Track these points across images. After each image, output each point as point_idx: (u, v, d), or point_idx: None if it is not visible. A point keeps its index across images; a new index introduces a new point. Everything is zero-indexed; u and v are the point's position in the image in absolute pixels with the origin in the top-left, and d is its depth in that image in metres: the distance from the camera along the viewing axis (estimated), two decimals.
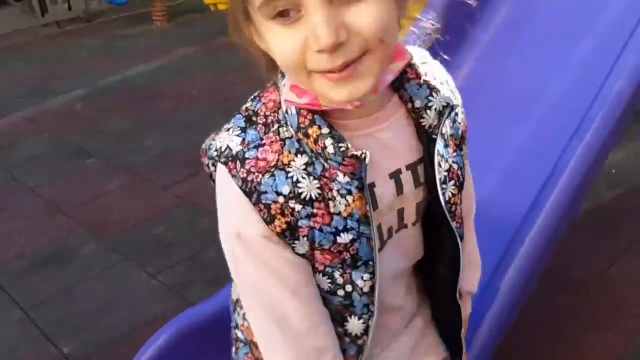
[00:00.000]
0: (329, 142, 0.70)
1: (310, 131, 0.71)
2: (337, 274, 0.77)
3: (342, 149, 0.70)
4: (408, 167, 0.79)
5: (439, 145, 0.79)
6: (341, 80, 0.66)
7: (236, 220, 0.75)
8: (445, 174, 0.81)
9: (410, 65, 0.78)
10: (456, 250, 0.86)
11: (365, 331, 0.83)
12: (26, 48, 6.33)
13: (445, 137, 0.81)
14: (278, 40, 0.66)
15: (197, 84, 4.62)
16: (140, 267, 2.56)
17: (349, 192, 0.72)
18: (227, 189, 0.74)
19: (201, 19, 6.36)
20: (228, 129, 0.76)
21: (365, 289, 0.78)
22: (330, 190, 0.72)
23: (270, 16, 0.64)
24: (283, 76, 0.75)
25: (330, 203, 0.72)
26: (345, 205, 0.72)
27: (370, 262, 0.76)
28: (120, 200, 3.09)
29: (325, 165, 0.72)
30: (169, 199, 3.03)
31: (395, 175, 0.78)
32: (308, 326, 0.78)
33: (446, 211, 0.81)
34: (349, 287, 0.78)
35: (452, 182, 0.81)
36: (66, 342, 2.20)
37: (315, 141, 0.71)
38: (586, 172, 1.52)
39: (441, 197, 0.79)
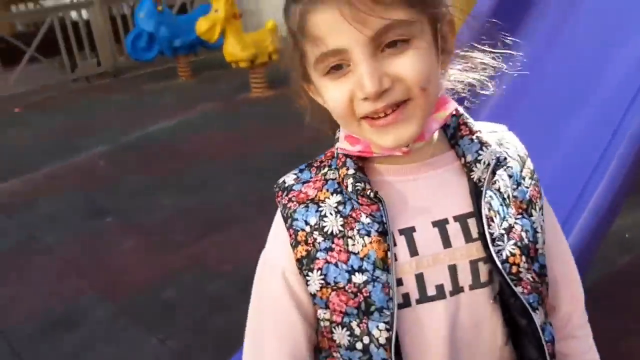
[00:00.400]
0: (350, 181, 0.78)
1: (340, 172, 0.80)
2: (354, 324, 0.79)
3: (357, 188, 0.77)
4: (456, 219, 0.80)
5: (492, 200, 0.80)
6: (386, 125, 0.73)
7: (272, 245, 0.85)
8: (503, 231, 0.80)
9: (465, 123, 0.84)
10: (532, 325, 0.81)
11: None
12: (55, 103, 6.56)
13: (506, 196, 0.82)
14: (330, 92, 0.74)
15: (215, 141, 4.71)
16: (149, 332, 2.56)
17: (368, 234, 0.77)
18: (275, 218, 0.85)
19: (224, 74, 6.54)
20: (293, 170, 0.87)
21: (382, 340, 0.77)
22: (352, 229, 0.78)
23: (324, 72, 0.74)
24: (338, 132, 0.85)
25: (350, 241, 0.78)
26: (362, 246, 0.77)
27: (386, 311, 0.76)
28: (133, 261, 3.12)
29: (355, 206, 0.79)
30: (180, 261, 3.05)
31: (440, 225, 0.80)
32: None
33: (504, 271, 0.78)
34: (366, 339, 0.78)
35: (512, 241, 0.80)
36: None
37: (343, 181, 0.79)
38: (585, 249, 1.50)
39: (494, 255, 0.78)
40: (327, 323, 0.81)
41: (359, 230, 0.78)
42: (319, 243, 0.79)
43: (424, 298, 0.79)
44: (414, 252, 0.78)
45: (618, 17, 1.86)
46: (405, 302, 0.78)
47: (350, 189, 0.78)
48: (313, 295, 0.80)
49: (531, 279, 0.82)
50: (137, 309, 2.71)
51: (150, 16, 6.46)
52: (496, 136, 0.86)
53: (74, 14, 7.63)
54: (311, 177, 0.83)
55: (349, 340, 0.80)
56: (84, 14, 7.65)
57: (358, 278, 0.77)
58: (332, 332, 0.81)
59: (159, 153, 4.63)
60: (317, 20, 0.70)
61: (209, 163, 4.26)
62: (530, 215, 0.84)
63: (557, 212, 1.58)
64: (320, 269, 0.79)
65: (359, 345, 0.79)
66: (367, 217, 0.77)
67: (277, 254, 0.83)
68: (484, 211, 0.79)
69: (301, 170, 0.85)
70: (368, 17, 0.68)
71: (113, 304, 2.77)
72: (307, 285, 0.80)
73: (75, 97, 6.77)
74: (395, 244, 0.78)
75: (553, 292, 0.90)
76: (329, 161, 0.84)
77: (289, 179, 0.84)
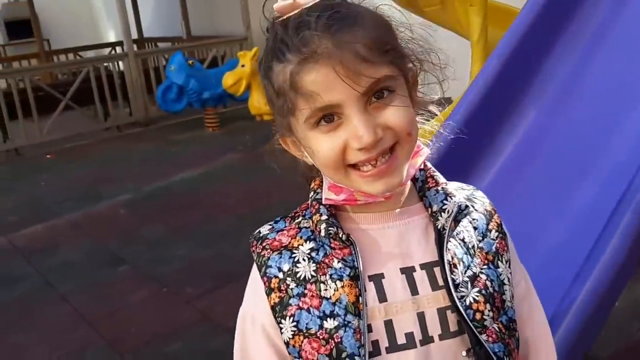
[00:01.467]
0: (323, 226, 0.81)
1: (314, 218, 0.84)
2: None
3: (330, 232, 0.81)
4: (422, 267, 0.83)
5: (456, 249, 0.83)
6: (378, 175, 0.77)
7: (249, 298, 0.87)
8: (467, 279, 0.82)
9: (432, 176, 0.89)
10: None
11: None
12: (85, 151, 6.73)
13: (470, 246, 0.85)
14: (322, 144, 0.77)
15: (234, 192, 4.75)
16: None
17: (340, 278, 0.79)
18: (252, 270, 0.86)
19: (249, 127, 6.63)
20: (269, 222, 0.90)
21: None
22: (324, 274, 0.80)
23: (313, 126, 0.77)
24: (313, 183, 0.88)
25: (322, 286, 0.80)
26: (334, 290, 0.79)
27: (357, 358, 0.77)
28: (142, 312, 3.11)
29: (327, 252, 0.81)
30: (189, 314, 3.03)
31: (407, 272, 0.82)
32: None
33: (467, 317, 0.80)
34: None
35: (477, 289, 0.82)
36: None
37: (316, 226, 0.82)
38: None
39: (457, 300, 0.80)
40: None
41: (331, 275, 0.80)
42: (291, 289, 0.81)
43: (394, 346, 0.80)
44: (382, 298, 0.81)
45: (623, 87, 1.84)
46: (375, 351, 0.79)
47: (323, 233, 0.81)
48: (287, 344, 0.81)
49: (497, 329, 0.83)
50: None
51: (181, 69, 6.66)
52: (465, 193, 0.91)
53: (109, 65, 7.92)
54: (285, 226, 0.87)
55: None
56: (120, 65, 7.93)
57: (330, 323, 0.79)
58: None
59: (180, 203, 4.68)
60: (311, 78, 0.73)
61: (227, 215, 4.28)
62: (497, 266, 0.86)
63: (563, 276, 1.54)
64: (292, 315, 0.80)
65: None
66: (339, 262, 0.80)
67: (255, 306, 0.85)
68: (447, 257, 0.82)
69: (276, 221, 0.89)
70: (359, 74, 0.72)
71: (119, 356, 2.75)
72: (281, 333, 0.81)
73: (105, 146, 6.95)
74: (365, 290, 0.80)
75: (524, 353, 0.91)
76: (303, 212, 0.88)
77: (264, 229, 0.88)
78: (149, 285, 3.40)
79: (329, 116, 0.76)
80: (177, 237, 3.99)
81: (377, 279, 0.81)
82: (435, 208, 0.86)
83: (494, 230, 0.89)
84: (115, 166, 6.01)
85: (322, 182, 0.87)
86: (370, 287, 0.81)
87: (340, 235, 0.81)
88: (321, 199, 0.84)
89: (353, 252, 0.80)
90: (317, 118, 0.76)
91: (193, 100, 6.76)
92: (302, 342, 0.80)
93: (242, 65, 5.46)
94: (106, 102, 7.53)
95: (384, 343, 0.80)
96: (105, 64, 7.87)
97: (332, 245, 0.81)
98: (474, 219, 0.88)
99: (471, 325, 0.80)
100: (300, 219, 0.87)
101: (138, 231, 4.20)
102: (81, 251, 3.97)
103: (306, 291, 0.80)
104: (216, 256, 3.65)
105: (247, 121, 6.70)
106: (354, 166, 0.78)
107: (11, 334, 3.04)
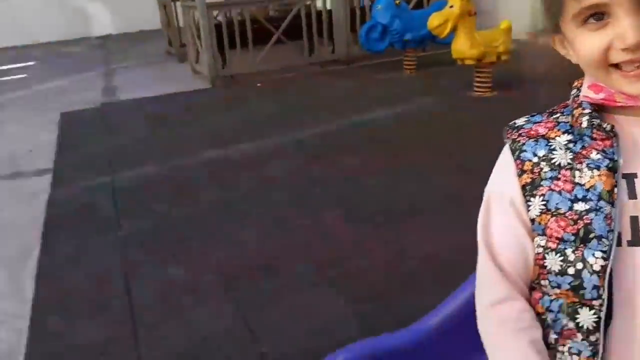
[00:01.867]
0: (584, 118, 0.86)
1: (575, 112, 0.88)
2: (569, 251, 0.85)
3: (593, 123, 0.85)
4: None
5: None
6: (638, 76, 0.80)
7: (498, 178, 0.94)
8: None
9: None
10: None
11: (597, 325, 0.84)
12: (290, 83, 7.24)
13: None
14: (587, 42, 0.82)
15: (427, 134, 4.83)
16: (339, 294, 2.76)
17: (597, 168, 0.84)
18: (501, 155, 0.94)
19: (447, 71, 6.59)
20: (524, 116, 0.97)
21: (596, 267, 0.82)
22: (581, 163, 0.85)
23: (580, 24, 0.82)
24: (576, 82, 0.94)
25: (577, 173, 0.85)
26: (590, 177, 0.84)
27: (604, 240, 0.82)
28: (332, 230, 3.37)
29: (585, 144, 0.85)
30: (377, 237, 3.23)
31: None
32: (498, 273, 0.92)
33: None
34: (579, 265, 0.83)
35: None
36: (267, 343, 2.49)
37: (577, 120, 0.87)
38: None
39: None
40: (541, 250, 0.88)
41: (588, 164, 0.84)
42: (544, 172, 0.87)
43: (636, 242, 0.82)
44: (632, 196, 0.83)
45: None
46: (617, 242, 0.82)
47: (585, 124, 0.85)
48: (532, 221, 0.88)
49: None
50: (332, 270, 2.95)
51: (387, 9, 6.75)
52: None
53: (319, 4, 8.28)
54: (542, 120, 0.92)
55: (561, 266, 0.85)
56: (328, 4, 8.25)
57: (580, 206, 0.84)
58: (544, 259, 0.87)
59: (375, 140, 4.87)
60: None
61: (419, 154, 4.40)
62: None
63: None
64: (543, 195, 0.87)
65: (570, 271, 0.84)
66: (597, 153, 0.84)
67: (504, 184, 0.92)
68: None
69: (532, 115, 0.95)
70: None
71: (313, 265, 3.03)
72: (528, 210, 0.88)
73: (308, 79, 7.39)
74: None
75: None
76: (562, 109, 0.93)
77: (520, 120, 0.95)
78: (341, 207, 3.67)
79: (598, 14, 0.79)
80: (369, 170, 4.20)
81: (630, 177, 0.84)
82: None
83: None
84: (316, 99, 6.39)
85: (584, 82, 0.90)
86: (622, 183, 0.84)
87: (604, 126, 0.84)
88: (608, 103, 0.87)
89: (615, 144, 0.84)
90: (585, 16, 0.80)
91: (395, 40, 6.85)
92: (548, 220, 0.86)
93: (451, 6, 5.37)
94: (312, 38, 7.94)
95: (626, 236, 0.83)
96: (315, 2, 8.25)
97: (594, 135, 0.85)
98: None
99: None
100: (558, 115, 0.92)
101: (334, 159, 4.49)
102: (283, 168, 4.38)
103: (559, 175, 0.86)
104: (407, 190, 3.80)
105: (444, 66, 6.66)
106: (616, 66, 0.81)
107: (224, 224, 3.53)
